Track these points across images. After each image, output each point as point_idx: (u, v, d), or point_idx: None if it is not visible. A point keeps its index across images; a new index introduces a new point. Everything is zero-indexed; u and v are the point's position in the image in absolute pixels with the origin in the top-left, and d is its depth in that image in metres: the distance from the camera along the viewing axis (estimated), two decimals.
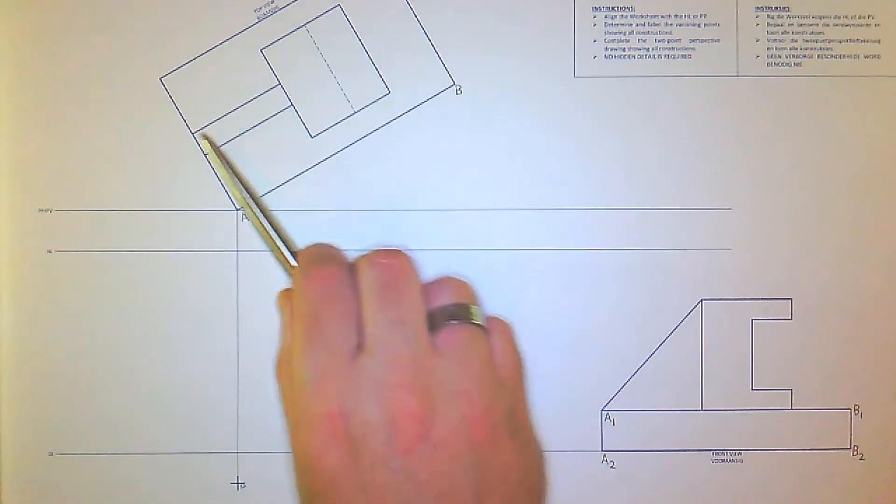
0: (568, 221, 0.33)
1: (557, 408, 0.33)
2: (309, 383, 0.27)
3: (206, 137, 0.32)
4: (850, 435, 0.33)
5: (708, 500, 0.33)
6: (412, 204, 0.33)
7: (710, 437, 0.33)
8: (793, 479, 0.33)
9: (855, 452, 0.33)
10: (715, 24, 0.33)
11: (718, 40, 0.33)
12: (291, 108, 0.33)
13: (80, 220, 0.33)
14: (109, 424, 0.33)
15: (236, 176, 0.31)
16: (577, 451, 0.33)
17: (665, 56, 0.33)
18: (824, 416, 0.33)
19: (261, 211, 0.31)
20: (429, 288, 0.30)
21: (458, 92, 0.33)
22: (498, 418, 0.28)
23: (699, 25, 0.33)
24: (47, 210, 0.33)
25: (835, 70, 0.33)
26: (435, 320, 0.29)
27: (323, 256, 0.30)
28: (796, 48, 0.33)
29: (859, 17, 0.33)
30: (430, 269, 0.32)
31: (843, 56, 0.33)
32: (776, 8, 0.33)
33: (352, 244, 0.32)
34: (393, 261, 0.29)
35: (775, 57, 0.33)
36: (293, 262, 0.31)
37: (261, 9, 0.33)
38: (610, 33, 0.33)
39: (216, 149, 0.31)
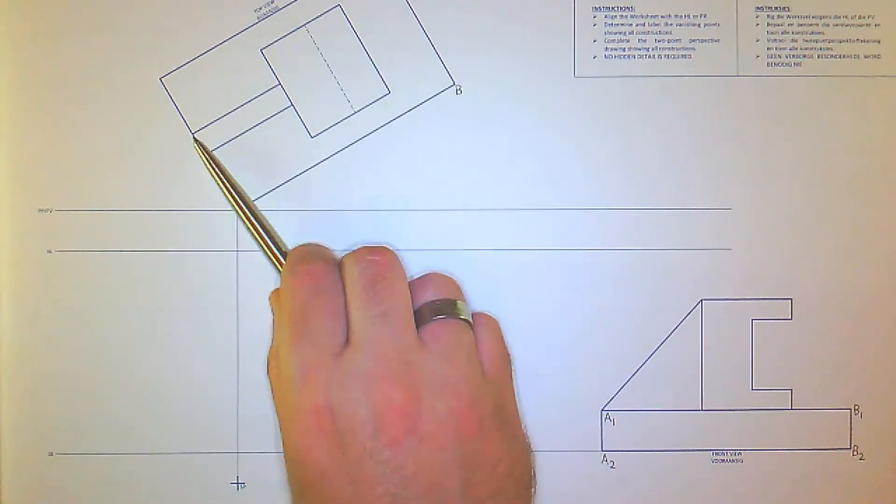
0: (568, 221, 0.33)
1: (557, 408, 0.33)
2: (296, 378, 0.28)
3: (195, 140, 0.32)
4: (850, 435, 0.33)
5: (708, 500, 0.33)
6: (412, 204, 0.33)
7: (710, 437, 0.33)
8: (793, 479, 0.33)
9: (855, 452, 0.33)
10: (715, 24, 0.33)
11: (718, 40, 0.33)
12: (291, 108, 0.33)
13: (80, 220, 0.33)
14: (109, 424, 0.33)
15: (225, 177, 0.31)
16: (577, 451, 0.33)
17: (665, 56, 0.33)
18: (824, 416, 0.33)
19: (250, 211, 0.31)
20: (415, 284, 0.30)
21: (458, 92, 0.33)
22: (485, 411, 0.28)
23: (699, 25, 0.33)
24: (47, 210, 0.33)
25: (835, 70, 0.33)
26: (421, 315, 0.29)
27: (311, 255, 0.30)
28: (796, 48, 0.33)
29: (859, 17, 0.33)
30: (430, 269, 0.32)
31: (843, 56, 0.33)
32: (776, 8, 0.33)
33: (352, 244, 0.32)
34: (379, 257, 0.29)
35: (775, 57, 0.33)
36: (283, 261, 0.31)
37: (261, 9, 0.33)
38: (610, 33, 0.33)
39: (206, 151, 0.31)
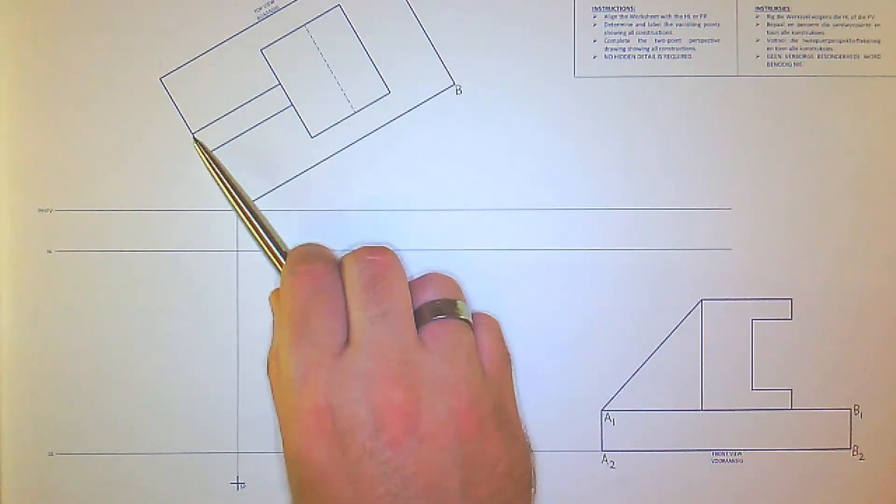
0: (568, 221, 0.33)
1: (557, 408, 0.33)
2: (296, 378, 0.28)
3: (195, 140, 0.32)
4: (850, 435, 0.33)
5: (708, 500, 0.33)
6: (412, 204, 0.33)
7: (710, 437, 0.33)
8: (793, 479, 0.33)
9: (855, 452, 0.33)
10: (715, 24, 0.33)
11: (718, 40, 0.33)
12: (291, 108, 0.33)
13: (80, 220, 0.33)
14: (109, 424, 0.33)
15: (225, 177, 0.31)
16: (577, 451, 0.33)
17: (665, 56, 0.33)
18: (824, 416, 0.33)
19: (250, 211, 0.31)
20: (415, 284, 0.30)
21: (458, 92, 0.33)
22: (485, 411, 0.28)
23: (699, 25, 0.33)
24: (47, 210, 0.33)
25: (835, 70, 0.33)
26: (421, 315, 0.29)
27: (311, 255, 0.30)
28: (796, 48, 0.33)
29: (859, 17, 0.33)
30: (430, 269, 0.32)
31: (843, 56, 0.33)
32: (776, 8, 0.33)
33: (352, 244, 0.32)
34: (379, 257, 0.29)
35: (775, 57, 0.33)
36: (283, 261, 0.31)
37: (261, 9, 0.33)
38: (610, 33, 0.33)
39: (206, 151, 0.31)
